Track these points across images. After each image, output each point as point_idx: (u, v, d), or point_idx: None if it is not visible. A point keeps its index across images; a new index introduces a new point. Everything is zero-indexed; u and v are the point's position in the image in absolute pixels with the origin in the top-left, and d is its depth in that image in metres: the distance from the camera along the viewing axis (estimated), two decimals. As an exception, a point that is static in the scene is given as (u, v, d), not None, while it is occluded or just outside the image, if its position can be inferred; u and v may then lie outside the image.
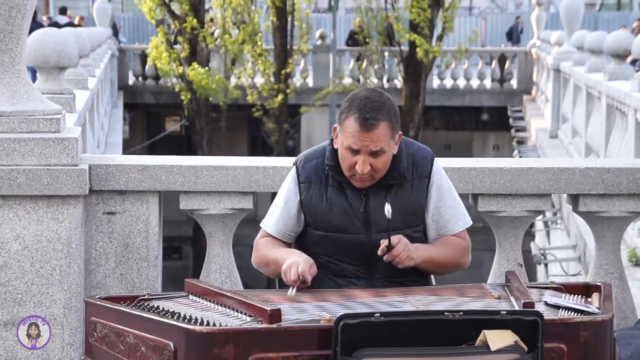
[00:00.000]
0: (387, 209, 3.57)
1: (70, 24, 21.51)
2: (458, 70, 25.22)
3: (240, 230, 5.03)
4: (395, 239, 3.63)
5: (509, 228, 4.74)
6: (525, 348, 3.09)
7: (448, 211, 3.81)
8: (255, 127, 25.69)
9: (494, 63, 25.59)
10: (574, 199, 4.74)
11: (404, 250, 3.62)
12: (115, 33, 27.98)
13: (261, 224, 3.90)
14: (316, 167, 3.77)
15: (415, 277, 3.76)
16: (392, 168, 3.71)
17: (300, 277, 3.57)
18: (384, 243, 3.63)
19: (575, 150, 15.60)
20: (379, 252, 3.64)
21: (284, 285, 4.09)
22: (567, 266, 12.60)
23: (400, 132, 3.72)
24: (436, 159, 3.83)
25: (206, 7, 24.10)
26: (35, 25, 16.19)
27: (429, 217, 3.80)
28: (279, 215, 3.82)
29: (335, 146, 3.72)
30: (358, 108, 3.61)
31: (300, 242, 3.86)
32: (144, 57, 25.06)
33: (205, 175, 4.58)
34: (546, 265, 14.34)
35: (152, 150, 25.06)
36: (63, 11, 24.92)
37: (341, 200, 3.73)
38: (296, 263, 3.60)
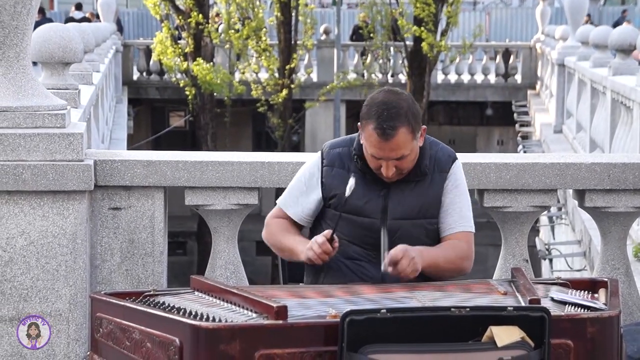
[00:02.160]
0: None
1: (86, 19, 21.61)
2: (462, 65, 25.16)
3: (245, 225, 5.02)
4: (399, 253, 3.62)
5: (515, 223, 4.73)
6: (532, 344, 3.09)
7: (457, 211, 3.83)
8: (260, 122, 25.66)
9: (498, 58, 25.53)
10: (580, 195, 4.73)
11: (409, 264, 3.62)
12: (120, 28, 27.96)
13: (278, 202, 3.94)
14: (340, 155, 3.83)
15: None
16: (415, 165, 3.75)
17: (327, 236, 3.64)
18: (386, 258, 3.63)
19: (579, 145, 15.56)
20: (382, 269, 3.66)
21: (289, 280, 4.10)
22: (572, 261, 12.58)
23: (424, 127, 3.74)
24: (458, 161, 3.86)
25: (210, 2, 24.08)
26: (46, 21, 16.27)
27: (441, 212, 3.82)
28: (299, 199, 3.87)
29: (362, 141, 3.75)
30: (376, 116, 3.65)
31: (316, 221, 3.90)
32: (148, 52, 25.03)
33: (210, 171, 4.58)
34: (551, 260, 14.32)
35: (157, 145, 25.04)
36: (79, 7, 25.00)
37: (362, 185, 3.75)
38: (312, 239, 3.69)
